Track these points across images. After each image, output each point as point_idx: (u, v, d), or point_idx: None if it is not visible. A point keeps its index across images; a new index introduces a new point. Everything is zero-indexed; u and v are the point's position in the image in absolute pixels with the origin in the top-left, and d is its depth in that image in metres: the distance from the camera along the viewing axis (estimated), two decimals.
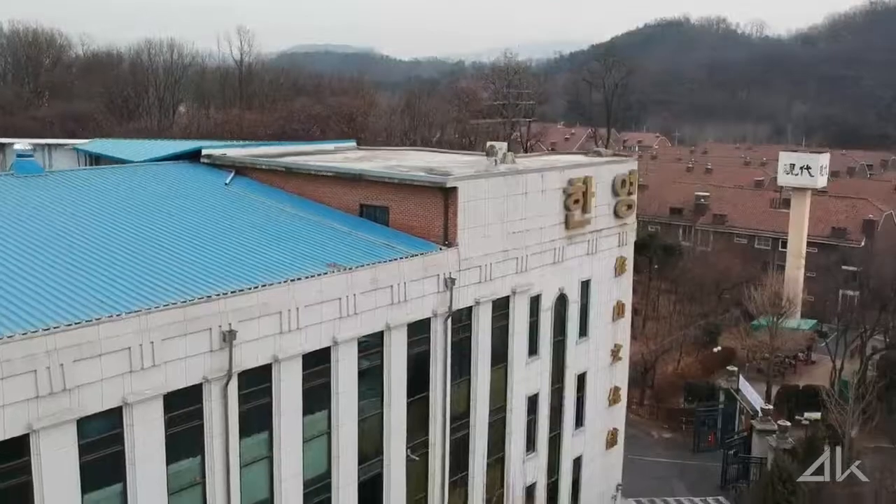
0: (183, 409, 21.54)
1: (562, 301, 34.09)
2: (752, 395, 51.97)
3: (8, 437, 18.15)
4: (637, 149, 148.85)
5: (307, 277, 24.31)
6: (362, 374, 26.18)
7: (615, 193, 35.86)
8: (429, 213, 29.22)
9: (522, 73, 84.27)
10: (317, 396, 24.90)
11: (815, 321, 71.92)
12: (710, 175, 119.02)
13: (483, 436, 30.98)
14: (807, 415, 49.91)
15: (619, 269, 37.05)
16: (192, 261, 24.53)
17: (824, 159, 73.61)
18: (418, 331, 27.90)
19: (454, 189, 28.54)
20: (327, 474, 25.70)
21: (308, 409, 24.63)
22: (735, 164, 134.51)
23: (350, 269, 25.40)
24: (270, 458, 23.98)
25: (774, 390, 57.61)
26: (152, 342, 20.32)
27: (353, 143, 42.15)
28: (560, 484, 35.40)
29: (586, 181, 33.77)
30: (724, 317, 73.02)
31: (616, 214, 36.10)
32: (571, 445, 35.85)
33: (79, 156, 40.66)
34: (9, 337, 18.17)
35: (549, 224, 32.53)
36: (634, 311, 49.69)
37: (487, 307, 30.30)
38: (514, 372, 31.98)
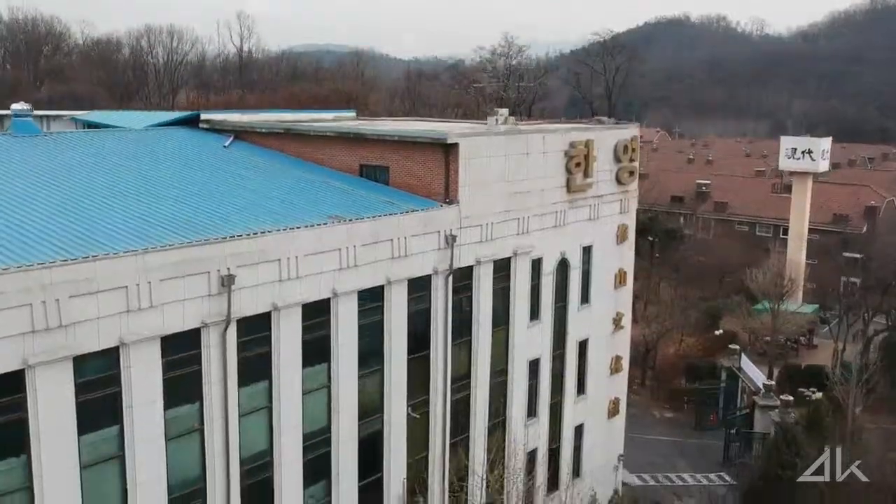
0: (181, 353, 21.31)
1: (563, 266, 33.83)
2: (754, 372, 51.73)
3: (3, 371, 17.94)
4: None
5: (307, 227, 24.08)
6: (362, 329, 25.92)
7: (617, 160, 35.60)
8: (429, 171, 28.99)
9: (522, 57, 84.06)
10: (317, 349, 24.64)
11: (816, 306, 71.68)
12: (711, 166, 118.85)
13: (484, 398, 30.72)
14: (811, 389, 49.58)
15: (621, 236, 36.79)
16: (191, 211, 24.32)
17: (825, 143, 73.33)
18: (419, 288, 27.65)
19: (455, 145, 28.30)
20: (327, 429, 25.43)
21: (308, 361, 24.37)
22: (736, 156, 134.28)
23: (350, 220, 25.15)
24: (270, 409, 23.72)
25: (776, 371, 57.33)
26: (150, 282, 20.09)
27: (352, 114, 41.92)
28: (561, 451, 35.12)
29: (588, 144, 33.52)
30: (726, 301, 72.71)
31: (618, 181, 35.84)
32: (573, 413, 35.59)
33: (77, 125, 40.40)
34: (3, 269, 17.94)
35: (550, 186, 32.28)
36: (635, 297, 49.35)
37: (488, 267, 30.04)
38: (516, 335, 31.72)
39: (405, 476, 27.67)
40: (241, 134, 33.80)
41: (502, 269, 30.80)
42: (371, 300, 26.11)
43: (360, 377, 25.99)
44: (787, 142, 74.21)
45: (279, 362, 23.55)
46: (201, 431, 22.07)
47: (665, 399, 58.09)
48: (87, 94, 72.46)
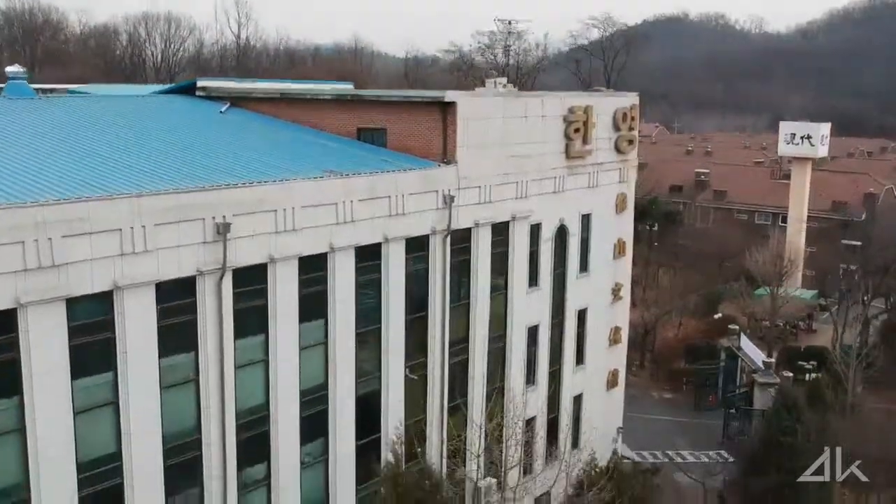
0: (176, 301, 21.09)
1: (562, 233, 33.63)
2: (754, 351, 51.53)
3: None
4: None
5: (304, 179, 23.87)
6: (360, 287, 25.71)
7: (616, 128, 35.41)
8: (427, 133, 28.77)
9: (519, 39, 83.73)
10: (314, 304, 24.40)
11: (815, 291, 71.52)
12: (710, 157, 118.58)
13: (482, 362, 30.50)
14: (811, 363, 49.36)
15: (620, 205, 36.60)
16: (188, 165, 24.14)
17: (825, 128, 73.20)
18: (417, 247, 27.44)
19: (453, 105, 28.10)
20: (324, 386, 25.20)
21: (305, 316, 24.13)
22: (735, 149, 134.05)
23: (347, 174, 24.94)
24: (266, 364, 23.49)
25: (776, 353, 57.12)
26: (144, 226, 19.86)
27: (349, 85, 41.66)
28: (560, 421, 34.86)
29: (587, 111, 33.32)
30: (725, 287, 72.49)
31: (617, 149, 35.65)
32: (572, 382, 35.40)
33: None
34: None
35: (549, 151, 32.07)
36: (634, 282, 49.05)
37: (487, 230, 29.83)
38: (514, 301, 31.52)
39: (403, 438, 27.43)
40: (237, 101, 33.51)
41: (501, 232, 30.59)
42: (369, 258, 25.88)
43: (357, 335, 25.77)
44: (786, 127, 74.11)
45: (276, 316, 23.32)
46: (196, 382, 21.83)
47: (664, 381, 57.86)
48: (84, 81, 71.96)
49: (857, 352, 43.26)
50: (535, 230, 32.17)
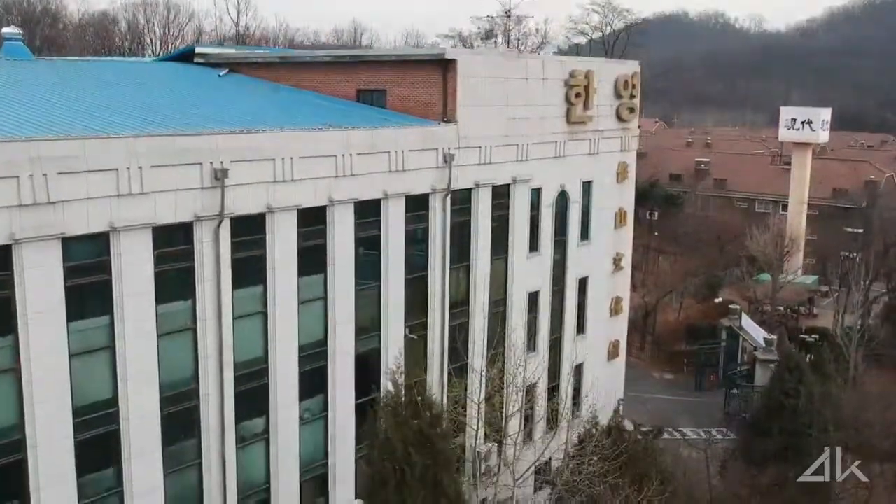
0: (173, 246, 20.86)
1: (563, 199, 33.39)
2: (755, 330, 51.36)
3: None
4: None
5: (302, 129, 23.65)
6: (360, 243, 25.47)
7: (617, 95, 35.17)
8: (427, 92, 28.52)
9: (518, 24, 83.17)
10: (313, 257, 24.15)
11: (816, 277, 71.43)
12: (710, 148, 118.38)
13: (483, 326, 30.23)
14: (812, 336, 49.10)
15: (622, 174, 36.36)
16: (186, 114, 23.94)
17: (826, 113, 73.12)
18: (417, 206, 27.18)
19: (453, 62, 27.88)
20: (323, 342, 24.96)
21: (304, 269, 23.89)
22: (735, 139, 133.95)
23: (347, 127, 24.72)
24: (265, 315, 23.24)
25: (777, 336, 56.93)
26: (140, 167, 19.62)
27: None
28: (560, 390, 34.59)
29: (588, 76, 33.07)
30: (726, 272, 72.34)
31: (619, 117, 35.41)
32: (573, 351, 35.13)
33: None
34: None
35: (550, 115, 31.83)
36: (634, 268, 48.68)
37: (487, 192, 29.59)
38: (515, 265, 31.27)
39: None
40: (236, 67, 33.26)
41: (501, 195, 30.33)
42: (368, 214, 25.65)
43: (357, 292, 25.53)
44: (786, 112, 74.08)
45: (274, 267, 23.07)
46: (194, 331, 21.59)
47: (665, 362, 57.79)
48: None
49: (859, 329, 43.03)
50: (536, 195, 31.91)
